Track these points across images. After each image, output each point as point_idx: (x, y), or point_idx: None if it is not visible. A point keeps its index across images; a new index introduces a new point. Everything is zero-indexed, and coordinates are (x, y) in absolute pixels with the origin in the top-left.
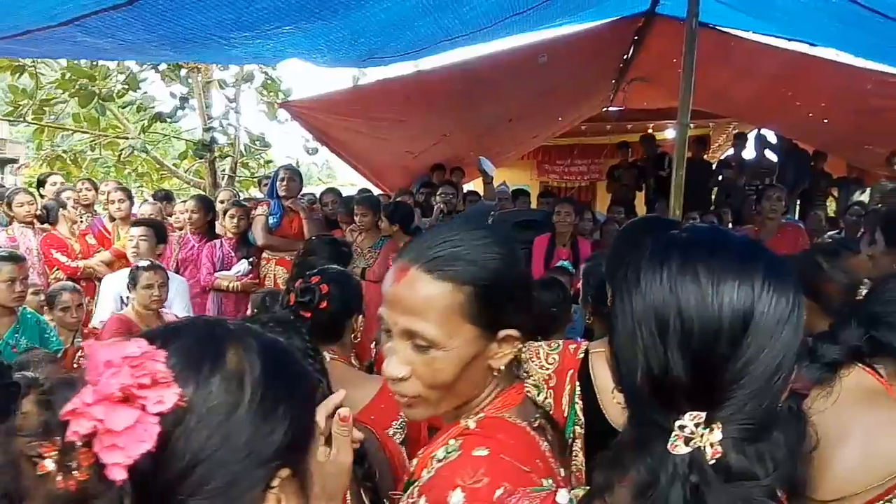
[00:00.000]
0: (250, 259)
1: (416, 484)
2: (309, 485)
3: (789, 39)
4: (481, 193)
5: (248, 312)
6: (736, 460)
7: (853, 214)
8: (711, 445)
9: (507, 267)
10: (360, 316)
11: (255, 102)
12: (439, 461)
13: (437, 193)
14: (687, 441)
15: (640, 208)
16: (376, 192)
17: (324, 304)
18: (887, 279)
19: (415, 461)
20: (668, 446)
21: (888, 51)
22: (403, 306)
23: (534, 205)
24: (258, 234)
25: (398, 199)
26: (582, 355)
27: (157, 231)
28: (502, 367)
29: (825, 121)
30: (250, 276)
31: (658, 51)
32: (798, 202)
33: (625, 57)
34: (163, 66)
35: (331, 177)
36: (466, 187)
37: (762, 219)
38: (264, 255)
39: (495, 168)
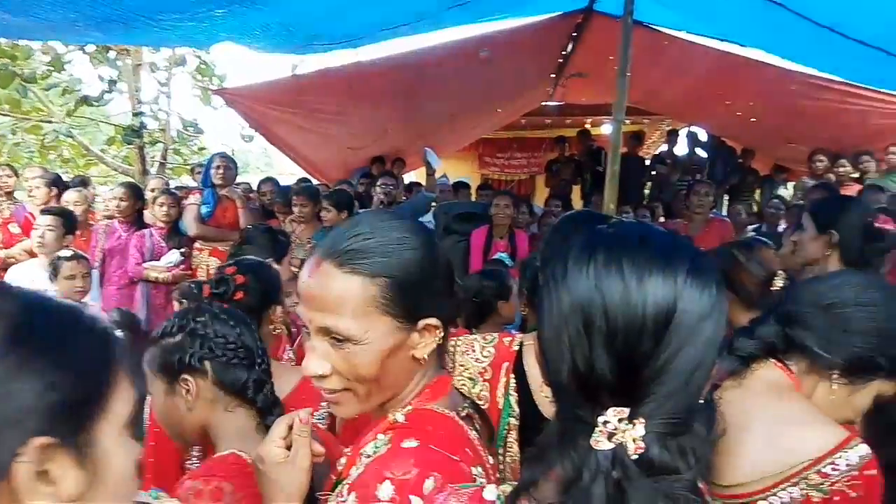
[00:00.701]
0: (182, 250)
1: (345, 482)
2: (100, 464)
3: (720, 40)
4: (423, 184)
5: (174, 303)
6: (658, 455)
7: (772, 208)
8: (634, 441)
9: (423, 256)
10: (279, 307)
11: (188, 87)
12: (368, 457)
13: (377, 184)
14: (610, 436)
15: (578, 202)
16: (315, 183)
17: (239, 295)
18: (803, 280)
19: (343, 460)
20: (592, 442)
21: (812, 54)
22: (317, 303)
23: (473, 197)
24: (190, 224)
25: (337, 188)
26: (517, 348)
27: (66, 221)
28: (426, 357)
29: (753, 119)
30: (182, 267)
31: (596, 47)
32: (726, 197)
33: (564, 52)
34: (90, 48)
35: (268, 165)
36: (407, 178)
37: (691, 213)
38: (196, 245)
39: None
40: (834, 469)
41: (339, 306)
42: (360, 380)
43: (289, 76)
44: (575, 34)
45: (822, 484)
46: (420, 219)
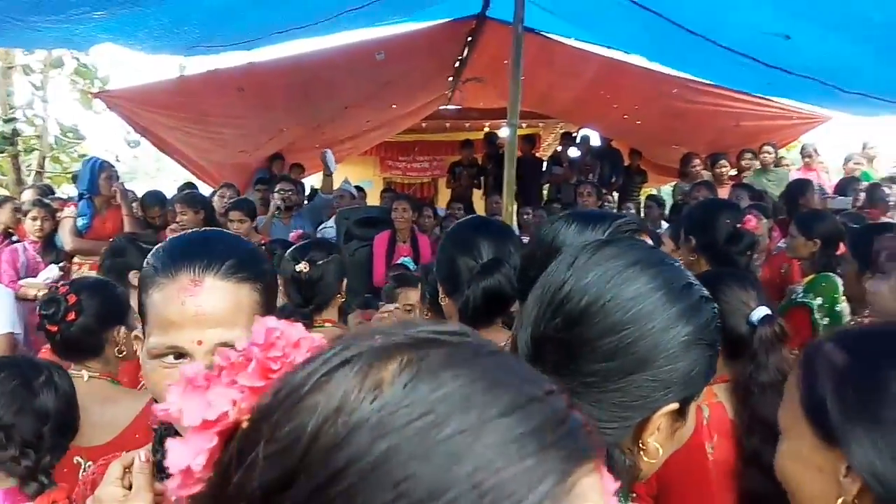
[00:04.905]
0: (60, 264)
1: None
2: None
3: (605, 46)
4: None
5: None
6: None
7: (648, 206)
8: None
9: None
10: (123, 327)
11: (66, 91)
12: None
13: (275, 190)
14: None
15: (479, 204)
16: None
17: (71, 316)
18: None
19: None
20: None
21: (688, 60)
22: (211, 319)
23: (377, 200)
24: (66, 239)
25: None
26: None
27: None
28: None
29: (638, 122)
30: (61, 283)
31: (490, 53)
32: (617, 196)
33: (460, 57)
34: None
35: (159, 171)
36: (308, 181)
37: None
38: (76, 259)
39: (338, 163)
40: None
41: (235, 318)
42: None
43: (175, 77)
44: (470, 39)
45: None
46: (321, 225)
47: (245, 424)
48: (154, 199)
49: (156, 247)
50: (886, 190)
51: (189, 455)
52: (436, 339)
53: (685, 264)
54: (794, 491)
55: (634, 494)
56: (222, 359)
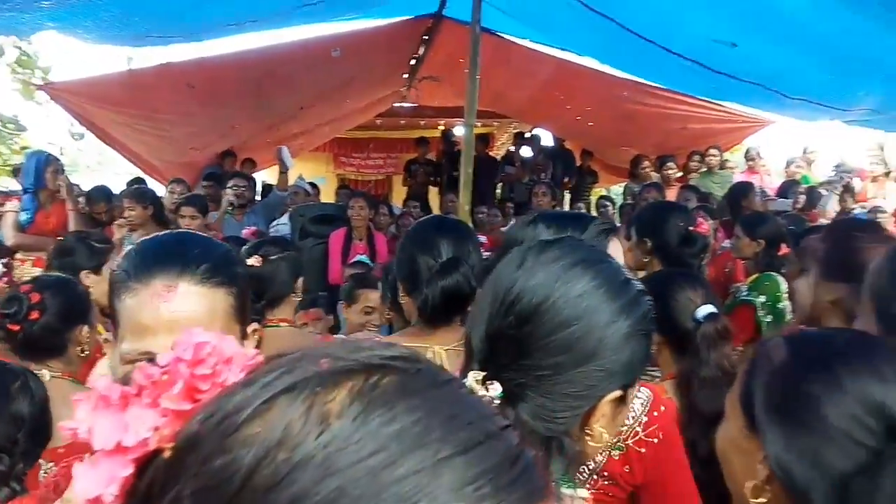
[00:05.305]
0: (3, 260)
1: None
2: None
3: (559, 48)
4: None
5: None
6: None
7: (601, 207)
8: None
9: (243, 262)
10: (86, 326)
11: (6, 80)
12: None
13: (228, 185)
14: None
15: (435, 201)
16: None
17: (34, 315)
18: None
19: None
20: None
21: (639, 64)
22: (185, 325)
23: (332, 198)
24: (7, 234)
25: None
26: None
27: None
28: None
29: (590, 124)
30: (3, 279)
31: (446, 52)
32: (569, 196)
33: (416, 55)
34: None
35: (101, 164)
36: (259, 176)
37: (535, 212)
38: (18, 255)
39: (292, 159)
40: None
41: (211, 323)
42: None
43: (124, 70)
44: (426, 38)
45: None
46: (275, 221)
47: (168, 454)
48: (100, 193)
49: (128, 249)
50: (823, 192)
51: (100, 483)
52: (387, 366)
53: (638, 265)
54: (726, 469)
55: (603, 471)
56: (143, 376)
